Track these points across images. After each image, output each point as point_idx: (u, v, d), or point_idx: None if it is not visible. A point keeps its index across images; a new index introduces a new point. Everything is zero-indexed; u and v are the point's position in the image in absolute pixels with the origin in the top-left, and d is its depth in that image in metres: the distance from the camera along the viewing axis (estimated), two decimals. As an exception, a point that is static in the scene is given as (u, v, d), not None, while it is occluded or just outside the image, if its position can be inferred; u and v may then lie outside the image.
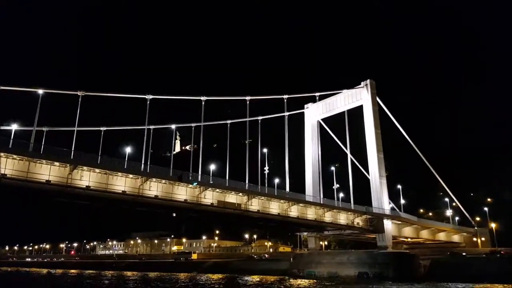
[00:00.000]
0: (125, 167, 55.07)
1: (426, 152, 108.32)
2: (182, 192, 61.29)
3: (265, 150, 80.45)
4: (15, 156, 47.20)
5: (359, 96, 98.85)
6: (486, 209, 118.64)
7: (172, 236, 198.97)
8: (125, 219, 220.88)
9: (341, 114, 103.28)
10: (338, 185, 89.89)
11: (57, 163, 50.17)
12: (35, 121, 50.33)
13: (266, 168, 75.45)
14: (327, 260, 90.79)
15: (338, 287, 68.31)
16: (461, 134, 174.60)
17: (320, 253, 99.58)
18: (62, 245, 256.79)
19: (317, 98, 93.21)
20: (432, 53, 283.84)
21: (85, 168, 52.11)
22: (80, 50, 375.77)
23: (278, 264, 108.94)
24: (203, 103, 68.43)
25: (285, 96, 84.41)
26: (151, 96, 61.55)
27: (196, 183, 58.99)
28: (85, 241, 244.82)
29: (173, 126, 66.76)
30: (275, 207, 72.20)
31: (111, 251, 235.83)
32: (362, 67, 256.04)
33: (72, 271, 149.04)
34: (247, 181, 68.46)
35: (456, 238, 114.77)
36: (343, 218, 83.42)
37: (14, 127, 53.84)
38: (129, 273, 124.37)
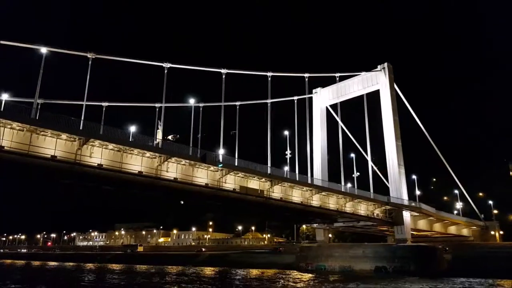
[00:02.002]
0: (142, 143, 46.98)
1: (438, 141, 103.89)
2: (202, 175, 53.81)
3: (286, 132, 73.59)
4: (14, 125, 38.67)
5: (375, 80, 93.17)
6: (490, 202, 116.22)
7: (161, 227, 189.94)
8: (107, 209, 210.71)
9: (351, 100, 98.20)
10: (358, 173, 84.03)
11: (64, 136, 41.86)
12: (38, 84, 41.70)
13: (288, 152, 68.70)
14: (339, 253, 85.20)
15: (358, 284, 62.71)
16: (474, 124, 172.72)
17: (331, 246, 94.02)
18: (38, 236, 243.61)
19: (337, 78, 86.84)
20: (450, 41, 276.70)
21: (96, 143, 43.96)
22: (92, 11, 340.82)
23: (282, 257, 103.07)
24: (223, 76, 60.84)
25: (306, 75, 77.73)
26: (168, 65, 53.49)
27: (221, 165, 51.65)
28: (64, 231, 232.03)
29: (192, 101, 58.56)
30: (297, 195, 65.71)
31: (91, 242, 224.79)
32: (371, 52, 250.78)
33: (51, 263, 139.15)
34: (269, 165, 61.47)
35: (465, 231, 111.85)
36: (363, 209, 77.87)
37: (4, 97, 44.94)
38: (114, 266, 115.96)
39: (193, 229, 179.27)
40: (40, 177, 44.84)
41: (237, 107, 76.56)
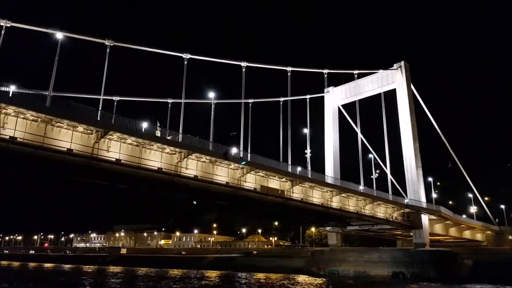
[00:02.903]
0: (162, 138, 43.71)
1: (452, 142, 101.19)
2: (222, 173, 50.64)
3: (305, 130, 70.54)
4: (28, 115, 35.41)
5: (391, 79, 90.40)
6: (503, 206, 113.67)
7: (163, 229, 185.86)
8: (107, 210, 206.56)
9: (363, 99, 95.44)
10: (377, 174, 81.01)
11: (80, 128, 38.61)
12: (53, 72, 38.40)
13: (308, 151, 65.65)
14: (353, 257, 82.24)
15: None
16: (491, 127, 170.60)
17: (345, 250, 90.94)
18: (35, 237, 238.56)
19: (356, 76, 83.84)
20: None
21: (115, 136, 40.74)
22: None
23: (292, 261, 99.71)
24: (243, 69, 57.72)
25: (325, 71, 74.83)
26: (188, 56, 50.29)
27: (244, 162, 48.50)
28: (62, 232, 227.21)
29: (211, 94, 55.23)
30: (317, 196, 62.64)
31: (88, 244, 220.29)
32: (380, 52, 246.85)
33: (47, 265, 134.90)
34: (289, 163, 58.39)
35: (479, 236, 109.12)
36: (381, 212, 74.88)
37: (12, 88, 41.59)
38: (115, 269, 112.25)
39: (195, 231, 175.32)
40: (53, 172, 41.44)
41: (250, 105, 73.73)
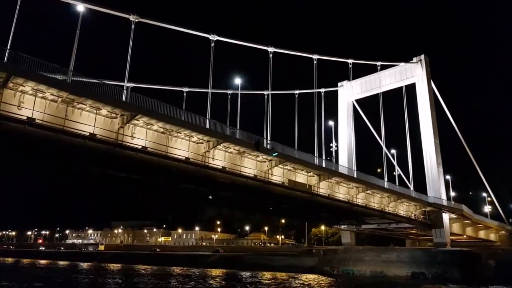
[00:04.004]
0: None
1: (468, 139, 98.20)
2: (250, 166, 46.90)
3: (331, 123, 67.01)
4: (47, 93, 31.26)
5: (410, 74, 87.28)
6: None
7: (164, 226, 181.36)
8: (104, 206, 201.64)
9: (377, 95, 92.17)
10: (399, 171, 77.77)
11: (104, 111, 34.55)
12: (74, 48, 34.23)
13: (334, 144, 62.11)
14: (370, 257, 78.86)
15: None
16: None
17: (361, 249, 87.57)
18: (29, 233, 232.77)
19: (379, 68, 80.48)
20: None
21: (141, 121, 36.75)
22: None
23: (302, 260, 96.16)
24: (270, 55, 53.91)
25: (350, 61, 71.26)
26: (216, 37, 46.38)
27: (276, 154, 44.75)
28: (58, 229, 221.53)
29: (238, 81, 51.28)
30: (343, 192, 59.15)
31: (85, 241, 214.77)
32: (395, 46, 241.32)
33: (42, 261, 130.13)
34: (316, 155, 54.78)
35: (492, 236, 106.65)
36: (403, 209, 71.62)
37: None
38: (114, 266, 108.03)
39: (196, 228, 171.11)
40: (71, 161, 37.26)
41: (265, 96, 70.20)
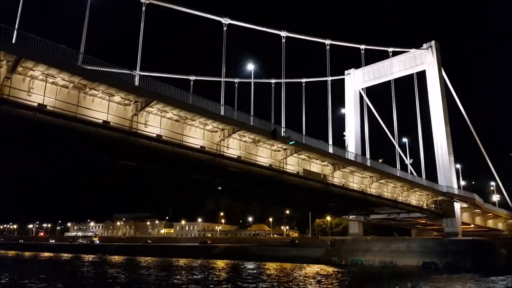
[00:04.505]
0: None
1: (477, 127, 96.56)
2: (265, 155, 45.37)
3: (343, 111, 65.39)
4: (58, 79, 29.44)
5: (420, 61, 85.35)
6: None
7: (167, 218, 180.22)
8: (105, 199, 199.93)
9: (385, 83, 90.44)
10: (411, 160, 76.43)
11: (117, 97, 32.78)
12: (84, 28, 32.39)
13: (347, 132, 60.52)
14: (378, 247, 78.15)
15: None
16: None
17: (370, 239, 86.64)
18: (30, 226, 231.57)
19: (390, 54, 78.60)
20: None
21: (154, 109, 35.02)
22: None
23: (309, 251, 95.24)
24: (283, 39, 51.99)
25: (363, 47, 69.35)
26: (228, 21, 44.47)
27: (293, 142, 43.16)
28: (60, 221, 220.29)
29: (251, 67, 49.48)
30: (357, 182, 57.75)
31: (88, 233, 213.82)
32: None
33: (45, 254, 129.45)
34: (330, 143, 53.24)
35: (500, 225, 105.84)
36: (415, 199, 70.38)
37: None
38: (118, 258, 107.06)
39: (199, 220, 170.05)
40: (84, 149, 35.52)
41: (272, 85, 68.55)
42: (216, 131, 40.28)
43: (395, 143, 79.44)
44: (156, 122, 35.80)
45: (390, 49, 76.39)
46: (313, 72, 71.07)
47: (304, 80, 74.06)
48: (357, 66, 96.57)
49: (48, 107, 28.86)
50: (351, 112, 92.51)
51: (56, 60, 27.53)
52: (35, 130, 30.54)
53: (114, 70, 33.19)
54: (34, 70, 28.20)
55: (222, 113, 39.82)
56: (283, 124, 48.28)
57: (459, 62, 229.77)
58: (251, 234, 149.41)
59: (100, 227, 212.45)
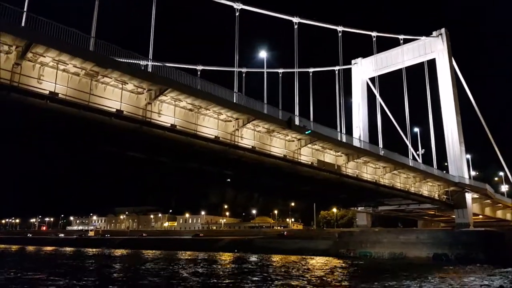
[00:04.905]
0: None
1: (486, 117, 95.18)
2: (279, 145, 44.09)
3: (365, 98, 64.07)
4: (69, 65, 27.97)
5: (430, 49, 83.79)
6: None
7: (170, 211, 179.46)
8: (107, 192, 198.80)
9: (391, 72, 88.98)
10: (423, 150, 75.22)
11: (130, 85, 31.37)
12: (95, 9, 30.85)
13: (358, 122, 59.17)
14: (388, 239, 77.24)
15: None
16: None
17: (378, 231, 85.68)
18: (32, 220, 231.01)
19: (401, 41, 77.02)
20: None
21: (168, 97, 33.61)
22: None
23: (316, 243, 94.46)
24: (295, 26, 50.43)
25: (374, 34, 67.78)
26: (240, 6, 42.91)
27: (309, 132, 41.84)
28: (62, 215, 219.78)
29: (262, 54, 48.03)
30: (370, 172, 56.57)
31: (90, 227, 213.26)
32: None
33: (48, 248, 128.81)
34: (343, 131, 51.91)
35: (508, 216, 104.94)
36: (427, 189, 69.29)
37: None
38: (122, 252, 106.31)
39: (202, 212, 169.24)
40: (94, 140, 34.14)
41: (280, 75, 67.21)
42: (230, 121, 38.94)
43: (406, 133, 78.39)
44: (169, 111, 34.44)
45: (401, 36, 74.82)
46: (318, 61, 69.27)
47: (311, 69, 72.85)
48: (363, 55, 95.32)
49: (60, 95, 27.46)
50: (358, 102, 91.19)
51: (69, 45, 26.08)
52: (44, 120, 29.18)
53: (124, 60, 31.82)
54: (44, 56, 26.77)
55: (236, 101, 38.41)
56: (296, 113, 46.88)
57: (468, 50, 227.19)
58: (255, 227, 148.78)
59: (103, 221, 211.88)
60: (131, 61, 33.43)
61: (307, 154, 46.89)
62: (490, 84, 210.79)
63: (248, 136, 40.86)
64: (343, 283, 37.44)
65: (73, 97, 28.13)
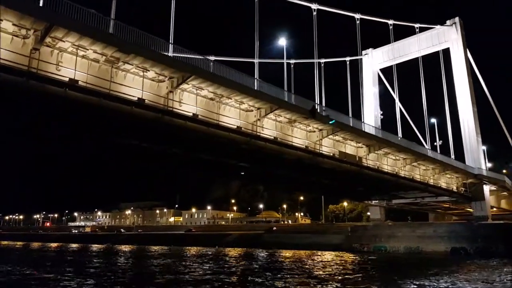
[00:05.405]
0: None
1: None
2: (300, 136, 42.46)
3: (376, 90, 62.35)
4: (89, 51, 26.25)
5: (443, 38, 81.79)
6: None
7: (176, 206, 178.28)
8: (112, 188, 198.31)
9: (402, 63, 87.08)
10: (441, 142, 73.47)
11: (151, 72, 29.66)
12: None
13: (379, 112, 57.56)
14: (403, 233, 75.72)
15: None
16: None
17: (393, 225, 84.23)
18: (36, 216, 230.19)
19: (417, 30, 75.21)
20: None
21: (189, 86, 31.89)
22: None
23: (327, 237, 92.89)
24: (314, 12, 48.67)
25: (391, 22, 65.97)
26: (258, -8, 41.18)
27: (333, 121, 40.16)
28: (67, 211, 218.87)
29: (282, 41, 46.27)
30: (390, 164, 54.95)
31: (93, 222, 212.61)
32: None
33: (52, 244, 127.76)
34: (362, 120, 50.17)
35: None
36: (444, 181, 67.71)
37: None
38: (126, 248, 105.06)
39: (208, 207, 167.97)
40: (112, 131, 32.49)
41: (292, 65, 65.40)
42: (252, 110, 37.27)
43: (419, 124, 76.86)
44: (190, 100, 32.78)
45: (417, 25, 72.93)
46: (329, 51, 67.55)
47: (323, 60, 71.11)
48: (372, 45, 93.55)
49: (80, 82, 25.80)
50: (369, 94, 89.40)
51: (92, 29, 24.38)
52: (63, 110, 27.54)
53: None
54: (64, 41, 25.06)
55: (259, 89, 36.62)
56: (317, 102, 45.15)
57: (481, 40, 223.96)
58: (260, 221, 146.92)
59: (108, 216, 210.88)
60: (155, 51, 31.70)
61: (328, 145, 45.27)
62: (503, 75, 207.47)
63: (269, 126, 39.20)
64: (371, 278, 35.92)
65: (94, 85, 26.45)
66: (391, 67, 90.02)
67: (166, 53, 31.32)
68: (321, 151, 43.41)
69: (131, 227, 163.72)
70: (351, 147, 48.66)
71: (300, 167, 45.08)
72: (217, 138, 34.72)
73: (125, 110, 28.23)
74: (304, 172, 47.65)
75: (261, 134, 37.59)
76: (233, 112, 36.22)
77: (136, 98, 28.37)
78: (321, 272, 38.71)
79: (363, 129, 47.06)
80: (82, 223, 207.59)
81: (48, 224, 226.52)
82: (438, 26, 78.19)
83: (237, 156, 41.80)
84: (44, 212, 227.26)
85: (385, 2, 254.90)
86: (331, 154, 44.70)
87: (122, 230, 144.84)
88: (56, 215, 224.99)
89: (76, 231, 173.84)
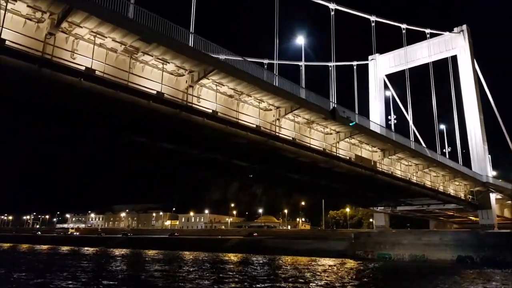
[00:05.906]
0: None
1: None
2: (317, 137, 40.79)
3: (388, 93, 61.13)
4: (107, 39, 24.36)
5: (450, 45, 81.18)
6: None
7: (174, 209, 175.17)
8: (105, 190, 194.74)
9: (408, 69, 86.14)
10: (450, 148, 72.50)
11: (171, 65, 27.74)
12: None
13: (393, 116, 56.36)
14: (408, 240, 74.20)
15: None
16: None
17: (398, 232, 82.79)
18: (26, 217, 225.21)
19: (428, 35, 74.28)
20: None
21: (209, 81, 30.06)
22: None
23: (330, 244, 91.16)
24: (332, 12, 47.28)
25: (404, 26, 64.90)
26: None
27: (354, 123, 38.62)
28: (58, 213, 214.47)
29: (300, 40, 44.82)
30: (403, 170, 53.53)
31: (87, 224, 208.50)
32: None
33: (44, 247, 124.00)
34: (378, 124, 48.76)
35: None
36: (453, 189, 66.51)
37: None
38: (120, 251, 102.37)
39: (206, 211, 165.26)
40: (125, 126, 30.45)
41: (301, 67, 63.96)
42: (271, 110, 35.53)
43: (424, 131, 75.76)
44: (209, 96, 30.94)
45: (428, 30, 71.84)
46: (338, 55, 66.27)
47: (331, 64, 69.90)
48: (379, 50, 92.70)
49: (97, 72, 23.87)
50: (374, 100, 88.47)
51: (113, 14, 22.46)
52: (76, 103, 25.50)
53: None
54: (81, 27, 23.14)
55: (280, 87, 34.85)
56: (334, 103, 43.52)
57: (486, 48, 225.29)
58: (258, 226, 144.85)
59: (101, 219, 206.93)
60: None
61: (344, 148, 43.70)
62: (509, 83, 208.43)
63: (287, 126, 37.47)
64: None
65: (112, 75, 24.53)
66: (396, 73, 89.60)
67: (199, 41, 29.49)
68: (338, 154, 41.77)
69: (125, 230, 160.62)
70: (366, 151, 47.17)
71: (314, 170, 43.36)
72: (233, 138, 32.89)
73: (142, 104, 26.24)
74: (316, 175, 45.94)
75: (280, 135, 35.85)
76: (252, 111, 34.46)
77: (155, 92, 26.45)
78: (325, 280, 37.10)
79: (379, 133, 45.46)
80: (71, 225, 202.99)
81: (38, 226, 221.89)
82: (446, 33, 77.47)
83: (251, 157, 39.96)
84: (34, 213, 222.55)
85: (386, 4, 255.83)
86: (348, 158, 43.10)
87: (103, 234, 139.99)
88: (47, 216, 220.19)
89: (62, 233, 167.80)
